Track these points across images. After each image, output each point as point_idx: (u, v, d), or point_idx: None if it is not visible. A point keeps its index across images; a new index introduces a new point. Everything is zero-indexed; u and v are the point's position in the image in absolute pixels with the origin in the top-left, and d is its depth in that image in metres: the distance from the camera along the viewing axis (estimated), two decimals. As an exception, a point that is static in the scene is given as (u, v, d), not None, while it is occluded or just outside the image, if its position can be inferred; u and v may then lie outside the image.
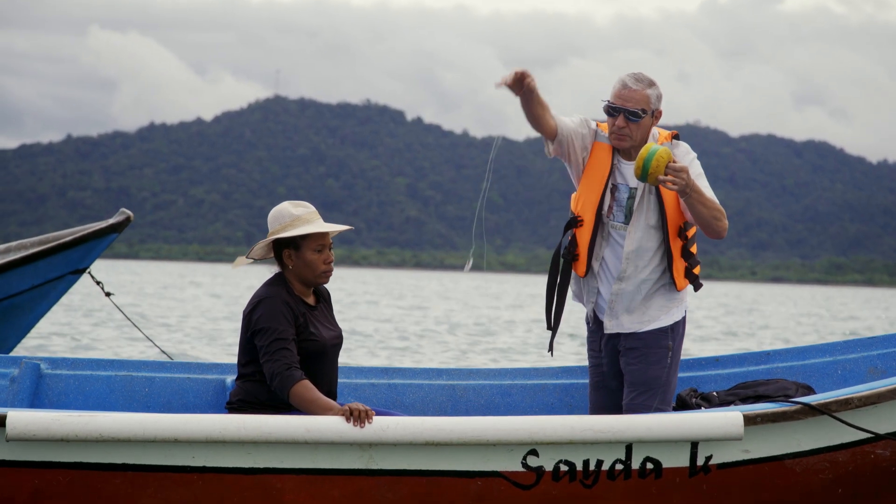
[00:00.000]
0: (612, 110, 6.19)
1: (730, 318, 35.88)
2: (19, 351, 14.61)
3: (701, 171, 6.22)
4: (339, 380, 6.78)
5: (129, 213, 8.93)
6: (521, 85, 6.05)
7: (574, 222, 6.33)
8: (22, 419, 5.31)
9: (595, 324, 6.37)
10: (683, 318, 6.30)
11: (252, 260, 5.95)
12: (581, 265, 6.31)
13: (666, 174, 5.85)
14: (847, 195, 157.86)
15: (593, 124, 6.35)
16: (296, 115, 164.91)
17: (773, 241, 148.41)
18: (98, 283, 8.84)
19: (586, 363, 6.63)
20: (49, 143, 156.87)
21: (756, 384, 6.50)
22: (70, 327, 18.76)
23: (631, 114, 6.14)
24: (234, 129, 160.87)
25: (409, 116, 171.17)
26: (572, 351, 16.65)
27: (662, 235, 6.17)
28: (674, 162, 5.90)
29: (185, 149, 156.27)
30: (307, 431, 5.43)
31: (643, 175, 5.88)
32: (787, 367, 6.93)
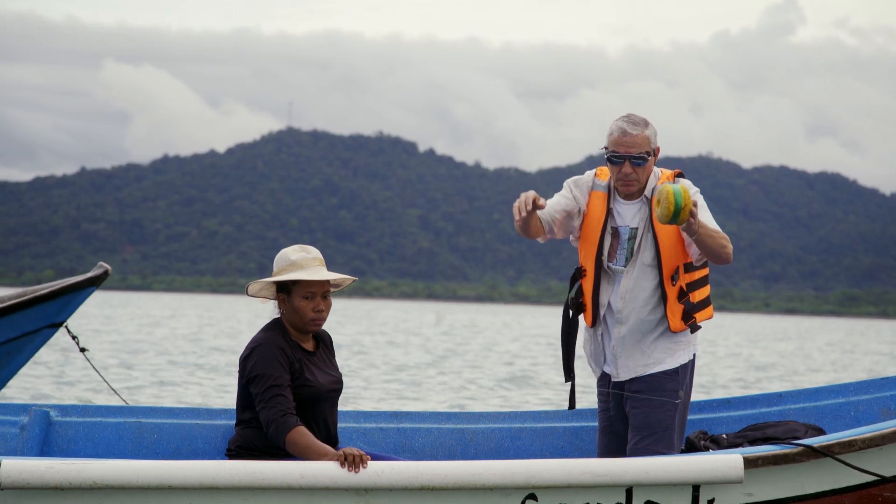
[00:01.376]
0: (616, 159, 6.14)
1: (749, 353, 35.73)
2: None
3: (704, 204, 6.17)
4: (347, 424, 6.71)
5: (108, 266, 8.83)
6: (535, 206, 6.05)
7: (579, 273, 6.31)
8: (16, 467, 5.26)
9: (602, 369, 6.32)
10: (691, 361, 6.21)
11: (263, 299, 5.90)
12: (588, 315, 6.27)
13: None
14: (861, 227, 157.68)
15: (585, 179, 6.31)
16: (309, 146, 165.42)
17: (787, 273, 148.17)
18: (74, 337, 8.73)
19: (596, 406, 6.55)
20: (63, 176, 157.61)
21: (765, 426, 6.40)
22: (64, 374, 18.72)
23: (636, 159, 6.11)
24: (247, 161, 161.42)
25: (422, 148, 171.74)
26: (582, 395, 16.55)
27: (658, 274, 6.12)
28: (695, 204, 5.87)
29: (198, 181, 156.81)
30: (301, 477, 5.36)
31: (675, 215, 5.79)
32: (798, 408, 6.80)
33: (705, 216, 6.08)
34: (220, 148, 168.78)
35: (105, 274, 8.74)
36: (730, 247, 6.06)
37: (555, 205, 6.27)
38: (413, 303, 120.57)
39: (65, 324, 8.83)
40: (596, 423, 6.71)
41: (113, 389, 8.65)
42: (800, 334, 60.69)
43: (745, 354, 34.46)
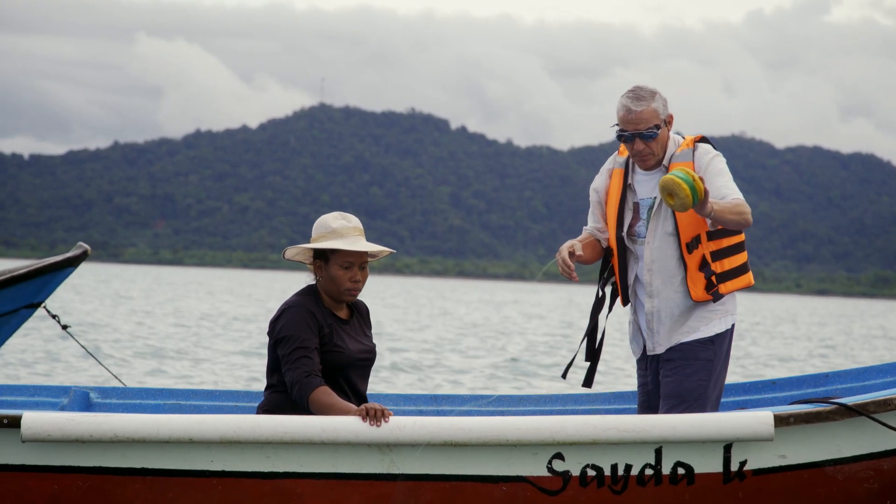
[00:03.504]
0: (626, 137, 6.04)
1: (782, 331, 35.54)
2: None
3: (722, 167, 6.02)
4: (387, 408, 6.63)
5: (87, 246, 8.69)
6: (574, 257, 6.02)
7: (609, 254, 6.22)
8: (37, 419, 5.21)
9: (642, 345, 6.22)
10: (729, 331, 6.06)
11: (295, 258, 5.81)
12: (622, 295, 6.18)
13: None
14: (894, 208, 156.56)
15: (606, 165, 6.25)
16: (340, 123, 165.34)
17: (819, 254, 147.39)
18: (54, 316, 8.64)
19: (636, 389, 6.43)
20: (96, 150, 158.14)
21: (808, 401, 6.22)
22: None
23: (646, 135, 5.99)
24: (279, 137, 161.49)
25: (454, 125, 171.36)
26: (618, 379, 16.41)
27: (678, 243, 6.01)
28: (701, 180, 5.73)
29: (230, 156, 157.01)
30: (322, 431, 5.27)
31: (694, 194, 5.66)
32: (846, 388, 6.59)
33: (722, 181, 5.95)
34: (253, 123, 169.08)
35: (84, 254, 8.60)
36: (747, 213, 5.90)
37: (593, 220, 6.27)
38: (443, 280, 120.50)
39: (43, 304, 8.71)
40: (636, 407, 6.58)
41: (105, 367, 8.58)
42: (834, 317, 60.34)
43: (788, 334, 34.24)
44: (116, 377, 8.34)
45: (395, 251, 5.92)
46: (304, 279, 5.80)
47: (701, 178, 5.71)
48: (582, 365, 6.29)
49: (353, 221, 5.72)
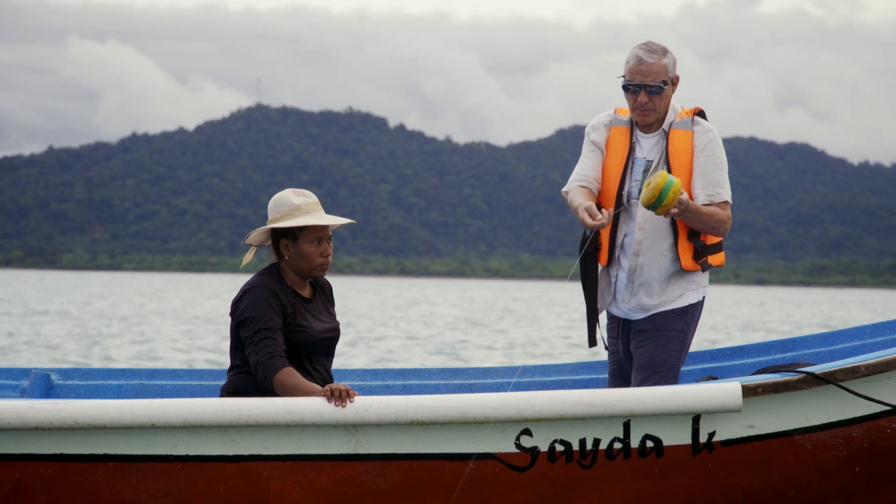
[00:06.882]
0: (632, 88, 5.98)
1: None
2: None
3: (723, 158, 5.99)
4: (353, 382, 6.56)
5: None
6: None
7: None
8: (-6, 408, 5.11)
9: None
10: (701, 302, 6.07)
11: (254, 248, 5.73)
12: (604, 253, 6.11)
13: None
14: (829, 197, 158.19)
15: (602, 118, 6.15)
16: (278, 123, 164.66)
17: (757, 244, 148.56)
18: None
19: (605, 359, 6.39)
20: (31, 155, 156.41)
21: (777, 370, 6.21)
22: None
23: (652, 88, 5.95)
24: (216, 139, 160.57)
25: (392, 123, 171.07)
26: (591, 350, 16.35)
27: None
28: (682, 193, 5.70)
29: (167, 159, 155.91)
30: (287, 412, 5.20)
31: (654, 206, 5.65)
32: (814, 353, 6.57)
33: (719, 175, 5.94)
34: (189, 125, 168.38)
35: None
36: (724, 227, 5.92)
37: (588, 168, 6.11)
38: (385, 279, 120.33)
39: None
40: (606, 375, 6.55)
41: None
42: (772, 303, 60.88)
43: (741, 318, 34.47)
44: None
45: (355, 221, 5.87)
46: (243, 279, 5.73)
47: (677, 202, 5.66)
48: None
49: (312, 197, 5.68)
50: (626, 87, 6.00)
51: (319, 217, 5.61)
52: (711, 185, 5.96)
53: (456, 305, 44.28)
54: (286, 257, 5.65)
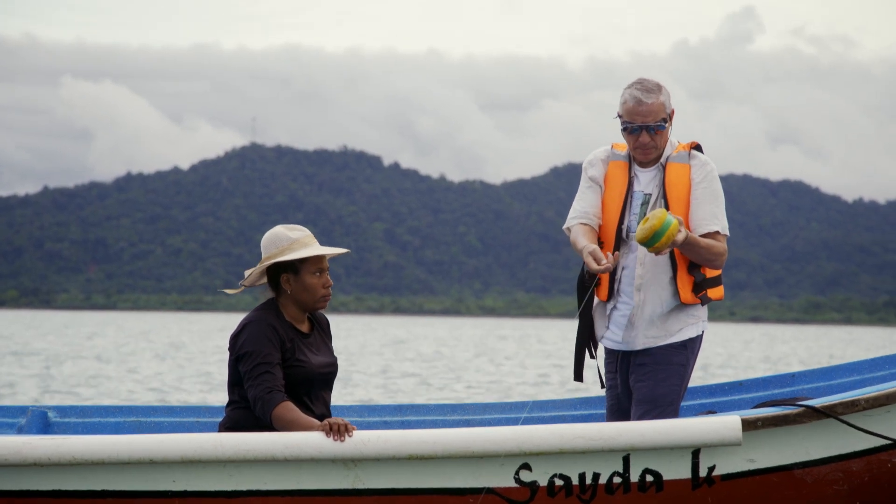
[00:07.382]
0: (633, 129, 5.98)
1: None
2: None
3: (719, 191, 6.00)
4: (351, 418, 6.54)
5: None
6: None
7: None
8: (-10, 444, 5.09)
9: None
10: (699, 337, 6.06)
11: (242, 287, 5.74)
12: (603, 288, 6.09)
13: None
14: (823, 234, 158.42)
15: (599, 154, 6.14)
16: (272, 162, 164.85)
17: (751, 281, 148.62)
18: None
19: (604, 394, 6.35)
20: (25, 196, 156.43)
21: (775, 403, 6.18)
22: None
23: (653, 128, 5.96)
24: (210, 178, 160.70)
25: (386, 161, 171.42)
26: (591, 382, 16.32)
27: None
28: (680, 231, 5.70)
29: (161, 198, 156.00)
30: (285, 447, 5.18)
31: (648, 244, 5.65)
32: (813, 387, 6.55)
33: (715, 208, 5.94)
34: (184, 165, 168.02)
35: None
36: (721, 259, 5.92)
37: (588, 204, 6.09)
38: (379, 317, 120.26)
39: None
40: (605, 412, 6.50)
41: None
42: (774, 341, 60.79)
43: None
44: None
45: (349, 250, 5.87)
46: (237, 319, 5.72)
47: (671, 243, 5.66)
48: (589, 364, 6.16)
49: (306, 230, 5.71)
50: (626, 129, 6.00)
51: (319, 248, 5.63)
52: (709, 217, 5.97)
53: (444, 344, 44.21)
54: (288, 292, 5.64)
